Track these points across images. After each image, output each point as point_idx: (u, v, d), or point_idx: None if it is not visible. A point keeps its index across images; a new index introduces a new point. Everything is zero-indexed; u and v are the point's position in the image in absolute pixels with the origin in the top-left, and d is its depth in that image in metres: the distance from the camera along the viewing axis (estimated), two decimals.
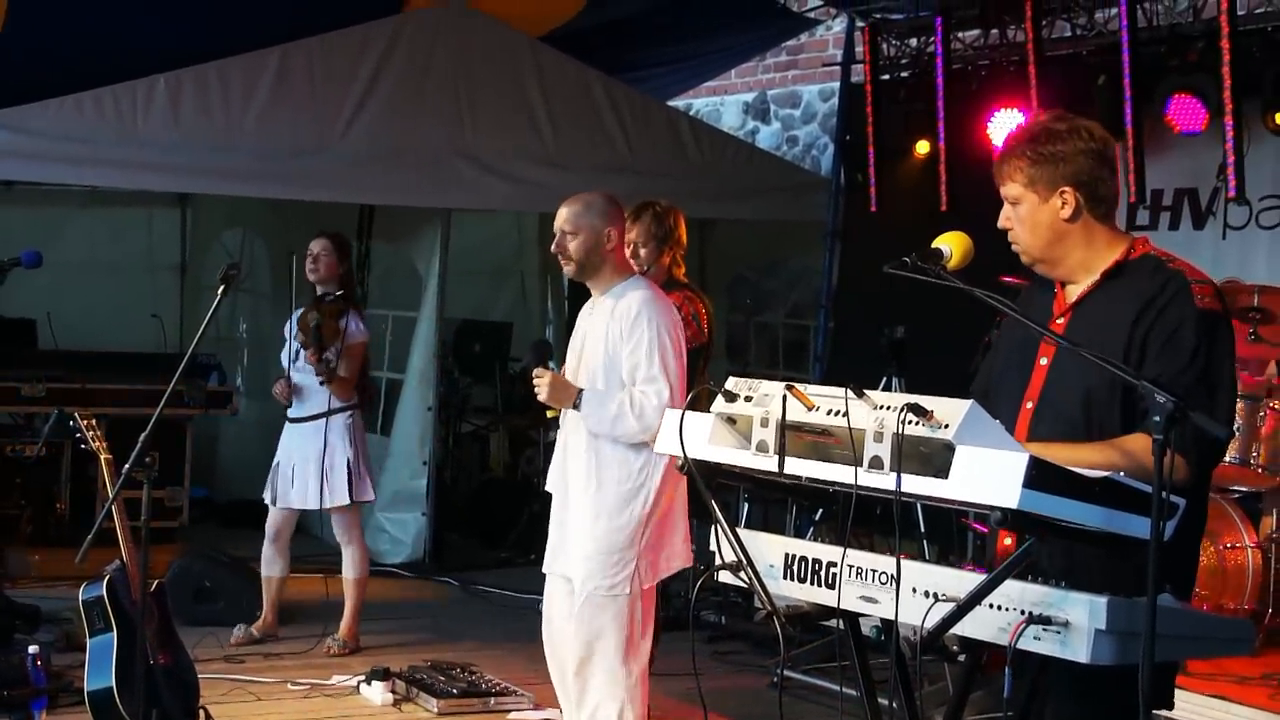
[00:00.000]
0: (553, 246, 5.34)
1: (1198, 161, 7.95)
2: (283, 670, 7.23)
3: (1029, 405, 3.57)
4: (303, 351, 7.54)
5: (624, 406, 5.13)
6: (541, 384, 5.24)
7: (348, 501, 7.58)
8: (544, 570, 5.51)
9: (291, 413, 7.66)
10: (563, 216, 5.32)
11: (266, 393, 8.11)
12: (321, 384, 7.46)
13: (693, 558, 5.56)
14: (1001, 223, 3.63)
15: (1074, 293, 3.62)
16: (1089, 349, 3.30)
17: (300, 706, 6.75)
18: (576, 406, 5.23)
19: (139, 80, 8.75)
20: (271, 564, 7.75)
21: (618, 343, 5.21)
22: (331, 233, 7.83)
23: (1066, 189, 3.54)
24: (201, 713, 5.91)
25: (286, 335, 7.76)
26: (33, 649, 5.97)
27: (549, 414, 5.46)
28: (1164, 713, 3.61)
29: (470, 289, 11.65)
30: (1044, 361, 3.61)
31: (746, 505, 8.82)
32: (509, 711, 6.75)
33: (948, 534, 7.60)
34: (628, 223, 5.85)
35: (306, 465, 7.55)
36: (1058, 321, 3.60)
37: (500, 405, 11.55)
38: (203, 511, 10.59)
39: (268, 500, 7.69)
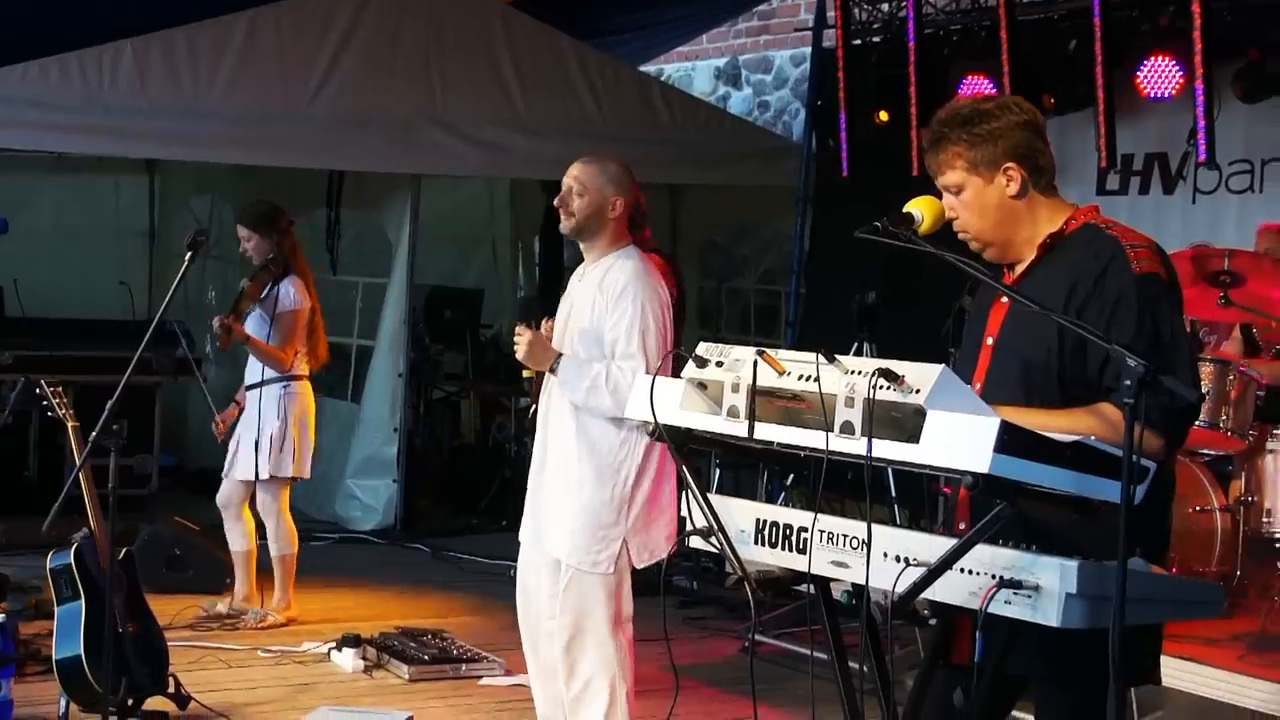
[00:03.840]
0: (556, 199, 5.25)
1: (1168, 126, 7.95)
2: (252, 638, 7.22)
3: (977, 386, 3.55)
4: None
5: (599, 379, 5.08)
6: (521, 341, 5.17)
7: (251, 477, 7.37)
8: (520, 538, 5.47)
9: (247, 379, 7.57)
10: (575, 172, 5.23)
11: (236, 360, 8.06)
12: (219, 348, 7.37)
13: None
14: (947, 214, 3.55)
15: (1017, 270, 3.59)
16: (1059, 314, 3.29)
17: (270, 674, 6.74)
18: (553, 371, 5.19)
19: (106, 45, 8.69)
20: (232, 537, 7.59)
21: (602, 314, 5.14)
22: (247, 216, 7.56)
23: (1010, 165, 3.49)
24: (171, 680, 5.90)
25: None
26: (0, 617, 5.95)
27: (524, 373, 5.38)
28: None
29: (441, 255, 11.62)
30: (989, 341, 3.60)
31: (718, 471, 8.84)
32: (480, 678, 6.75)
33: (919, 499, 7.62)
34: None
35: (242, 436, 7.45)
36: (1001, 301, 3.58)
37: (471, 372, 11.53)
38: (172, 479, 10.55)
39: None
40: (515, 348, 5.21)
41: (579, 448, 5.18)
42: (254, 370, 7.49)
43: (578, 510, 5.17)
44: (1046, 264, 3.53)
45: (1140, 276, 3.37)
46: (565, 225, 5.27)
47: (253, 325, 7.38)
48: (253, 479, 7.38)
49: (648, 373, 4.96)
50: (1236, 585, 6.52)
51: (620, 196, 5.22)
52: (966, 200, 3.53)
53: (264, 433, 7.36)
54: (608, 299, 5.14)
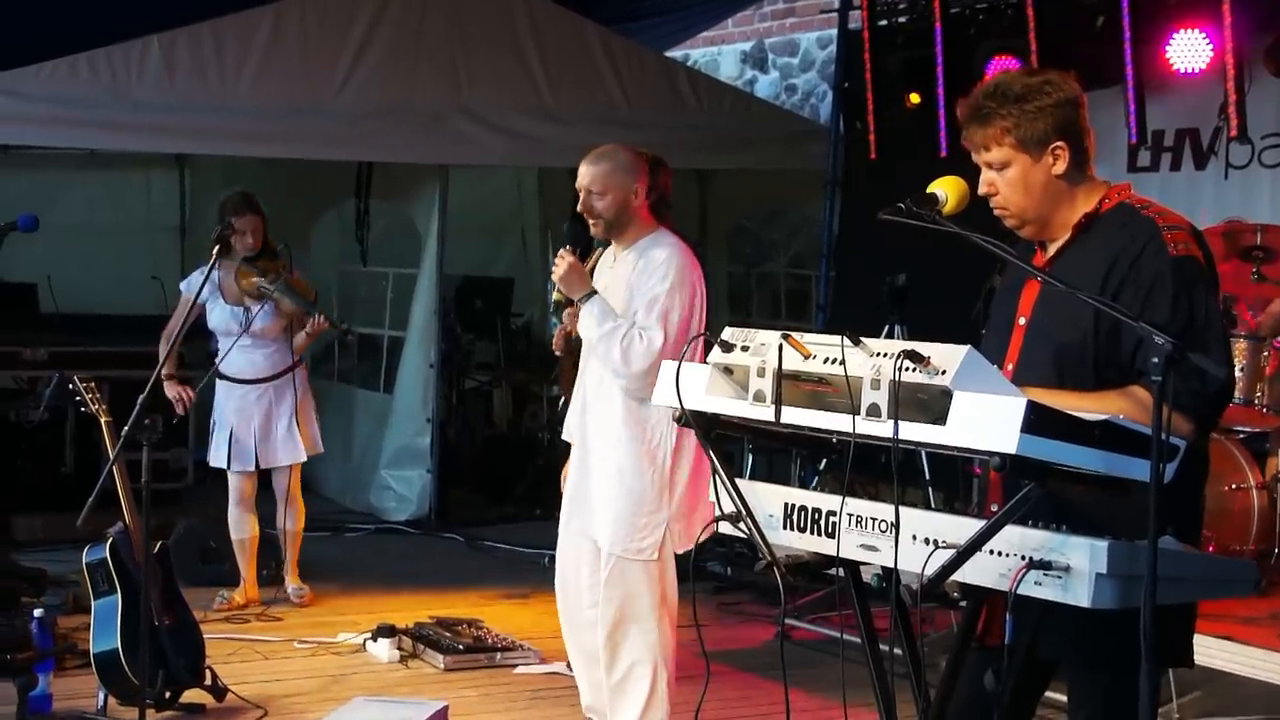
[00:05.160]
0: (579, 207, 5.23)
1: (1198, 101, 7.89)
2: (288, 629, 7.25)
3: (1009, 367, 3.53)
4: (255, 317, 7.39)
5: (619, 330, 5.03)
6: (561, 264, 5.12)
7: (302, 459, 7.66)
8: (561, 524, 5.45)
9: (233, 372, 7.55)
10: (588, 176, 5.19)
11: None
12: (349, 335, 7.55)
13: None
14: (984, 189, 3.52)
15: (1050, 249, 3.56)
16: (1087, 293, 3.26)
17: (307, 665, 6.76)
18: (580, 303, 5.12)
19: (133, 41, 8.71)
20: (240, 526, 7.67)
21: (635, 292, 5.14)
22: (250, 204, 7.50)
23: (1059, 144, 3.46)
24: (207, 672, 5.93)
25: (190, 294, 7.41)
26: (38, 612, 5.99)
27: (554, 297, 5.30)
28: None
29: (471, 245, 11.62)
30: (1021, 321, 3.57)
31: (750, 456, 8.83)
32: (515, 665, 6.76)
33: (953, 480, 7.60)
34: None
35: (278, 423, 7.59)
36: (1034, 280, 3.54)
37: (503, 361, 11.55)
38: (207, 472, 10.57)
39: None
40: (554, 269, 5.16)
41: (619, 434, 5.17)
42: (273, 361, 7.55)
43: (619, 496, 5.17)
44: (1081, 244, 3.50)
45: (1177, 259, 3.35)
46: (596, 230, 5.24)
47: (263, 317, 7.42)
48: (301, 461, 7.60)
49: (662, 344, 4.95)
50: (1274, 563, 6.49)
51: (638, 181, 5.20)
52: (1011, 178, 3.50)
53: (302, 414, 7.56)
54: (644, 276, 5.12)
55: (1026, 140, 3.46)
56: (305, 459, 7.64)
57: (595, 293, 5.13)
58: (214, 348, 7.70)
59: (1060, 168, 3.48)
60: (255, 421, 7.54)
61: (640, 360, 4.96)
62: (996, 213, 3.57)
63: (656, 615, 5.20)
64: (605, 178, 5.17)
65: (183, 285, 7.66)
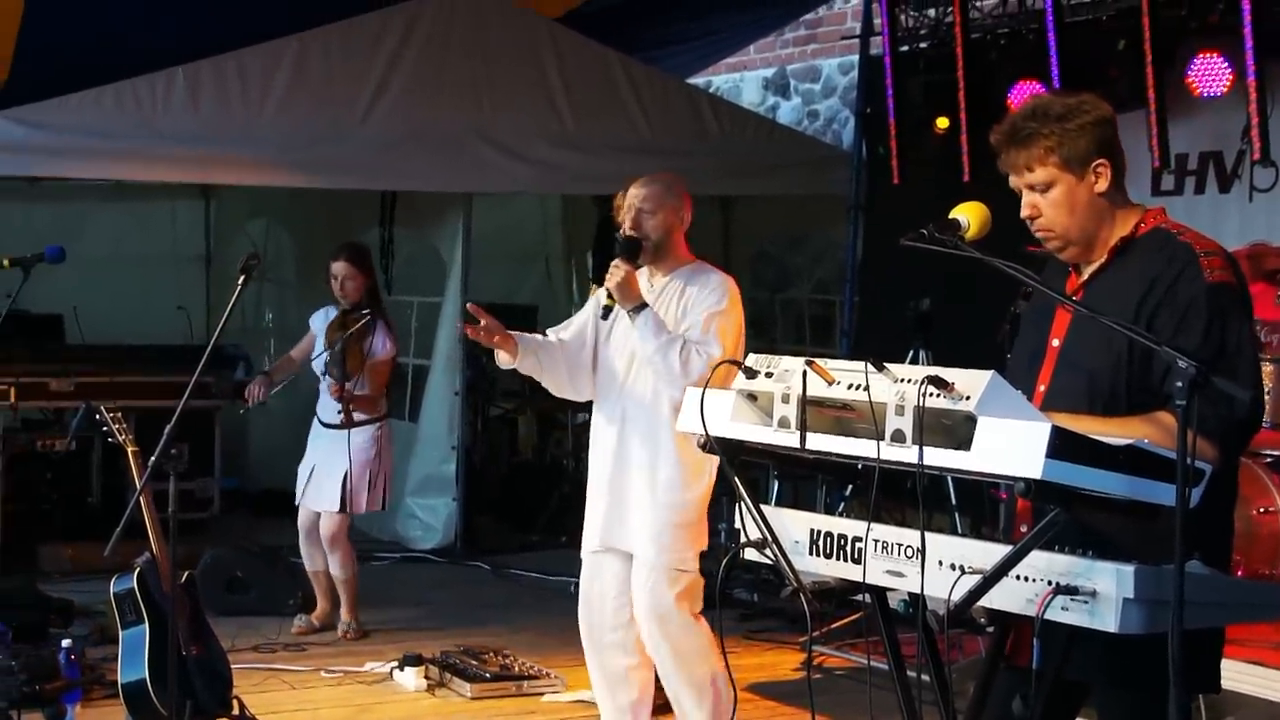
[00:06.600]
0: (627, 224, 5.27)
1: (1221, 124, 7.88)
2: (315, 659, 7.25)
3: (1041, 389, 3.53)
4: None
5: (676, 342, 5.05)
6: (617, 273, 5.10)
7: (334, 509, 7.58)
8: (594, 546, 5.42)
9: (322, 415, 7.68)
10: (640, 195, 5.28)
11: (295, 383, 8.12)
12: (340, 416, 7.47)
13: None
14: (1026, 212, 3.52)
15: (1085, 272, 3.56)
16: (1111, 318, 3.26)
17: (334, 694, 6.76)
18: (632, 314, 5.11)
19: (158, 73, 8.75)
20: (310, 559, 7.81)
21: (689, 311, 5.18)
22: (351, 251, 7.73)
23: (1101, 162, 3.46)
24: (235, 702, 5.93)
25: (315, 331, 7.74)
26: (65, 643, 6.01)
27: (604, 302, 5.26)
28: None
29: (495, 273, 11.65)
30: (1055, 343, 3.56)
31: (776, 483, 8.81)
32: (542, 694, 6.75)
33: (979, 505, 7.58)
34: (620, 199, 5.82)
35: (325, 470, 7.59)
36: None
37: (528, 388, 11.50)
38: (234, 502, 10.62)
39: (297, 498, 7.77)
40: (609, 277, 5.13)
41: (667, 447, 5.20)
42: (331, 409, 7.58)
43: (665, 507, 5.21)
44: (1117, 267, 3.50)
45: (1212, 286, 3.35)
46: (644, 252, 5.24)
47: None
48: (335, 511, 7.56)
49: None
50: None
51: (684, 210, 5.33)
52: (1056, 199, 3.48)
53: (356, 470, 7.53)
54: (697, 296, 5.18)
55: (1070, 159, 3.46)
56: (336, 510, 7.56)
57: (647, 305, 5.15)
58: (238, 377, 7.75)
59: (1103, 186, 3.48)
60: (314, 461, 7.65)
61: (697, 372, 4.98)
62: (1039, 235, 3.56)
63: (698, 622, 5.30)
64: (658, 198, 5.27)
65: (312, 319, 7.86)
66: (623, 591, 5.36)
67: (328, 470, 7.59)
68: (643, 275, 5.35)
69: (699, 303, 5.19)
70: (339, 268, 7.62)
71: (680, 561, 5.24)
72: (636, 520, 5.28)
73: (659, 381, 5.17)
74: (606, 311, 5.26)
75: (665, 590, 5.24)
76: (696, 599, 5.31)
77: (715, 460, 5.09)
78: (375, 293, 7.78)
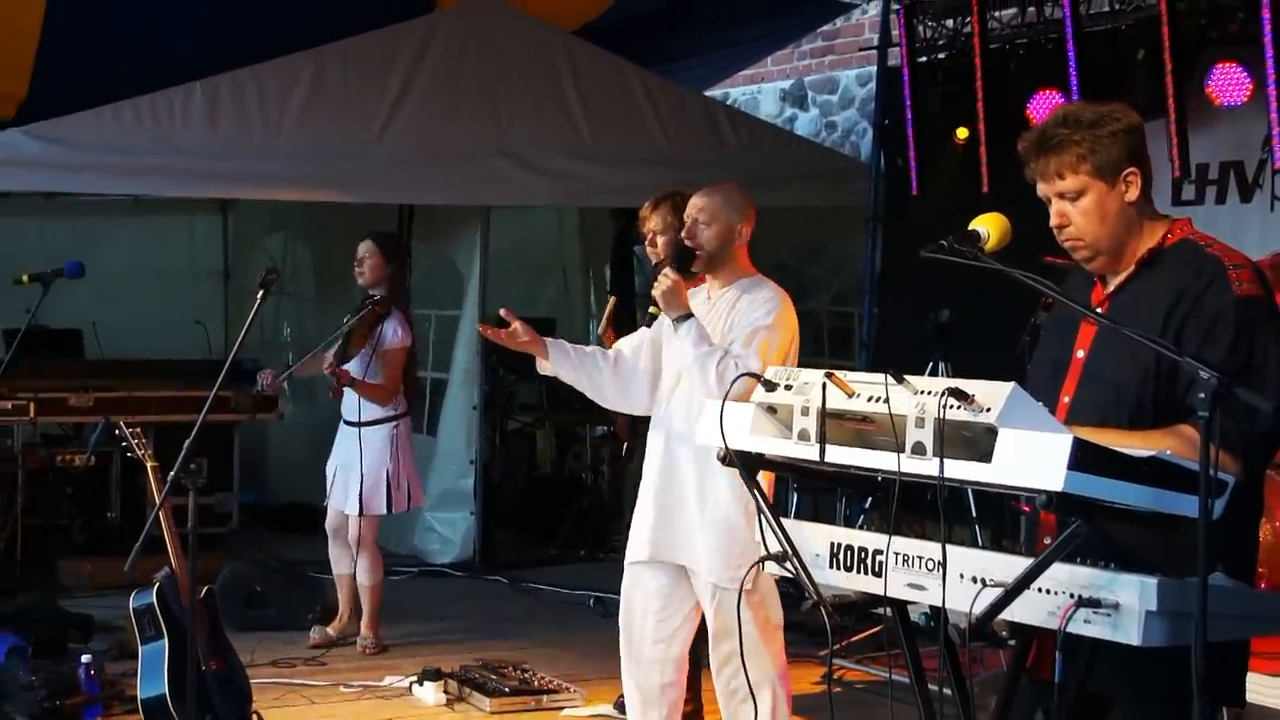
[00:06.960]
0: (683, 233, 5.23)
1: (1242, 134, 7.85)
2: (334, 674, 7.24)
3: (1065, 400, 3.50)
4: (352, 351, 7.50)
5: (713, 355, 4.98)
6: (665, 280, 5.05)
7: (354, 512, 7.52)
8: (640, 557, 5.32)
9: (345, 413, 7.67)
10: (697, 206, 5.22)
11: (313, 396, 8.11)
12: (331, 397, 7.43)
13: None
14: (1055, 221, 3.49)
15: (1111, 283, 3.54)
16: (1133, 329, 3.23)
17: (353, 709, 6.75)
18: (681, 320, 5.06)
19: (176, 88, 8.77)
20: (337, 562, 7.77)
21: (736, 323, 5.13)
22: (379, 234, 7.80)
23: (1131, 170, 3.44)
24: (254, 717, 5.93)
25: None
26: (85, 658, 6.02)
27: (650, 309, 5.21)
28: None
29: (512, 286, 11.62)
30: (1080, 354, 3.54)
31: (796, 495, 8.79)
32: (561, 709, 6.73)
33: (1000, 518, 7.54)
34: (645, 211, 5.80)
35: (346, 470, 7.58)
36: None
37: (546, 402, 11.53)
38: (253, 516, 10.61)
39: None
40: (656, 285, 5.10)
41: (713, 465, 5.15)
42: (352, 407, 7.56)
43: (718, 523, 5.14)
44: (1144, 278, 3.48)
45: (1240, 299, 3.33)
46: (697, 264, 5.21)
47: (355, 364, 7.46)
48: (350, 513, 7.53)
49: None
50: None
51: (745, 222, 5.25)
52: (1087, 207, 3.45)
53: (370, 470, 7.48)
54: (746, 308, 5.13)
55: (1102, 166, 3.43)
56: (356, 513, 7.52)
57: (692, 315, 5.10)
58: (256, 387, 7.74)
59: (1133, 195, 3.46)
60: (337, 461, 7.63)
61: (727, 382, 4.93)
62: (1067, 245, 3.53)
63: (765, 638, 5.22)
64: (714, 209, 5.21)
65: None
66: (665, 606, 5.30)
67: (346, 471, 7.58)
68: (704, 288, 5.33)
69: (746, 316, 5.13)
70: (363, 246, 7.64)
71: (731, 580, 5.08)
72: (695, 535, 5.20)
73: (698, 393, 5.12)
74: (651, 319, 5.24)
75: (722, 608, 5.12)
76: (758, 614, 5.21)
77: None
78: (396, 283, 7.71)
